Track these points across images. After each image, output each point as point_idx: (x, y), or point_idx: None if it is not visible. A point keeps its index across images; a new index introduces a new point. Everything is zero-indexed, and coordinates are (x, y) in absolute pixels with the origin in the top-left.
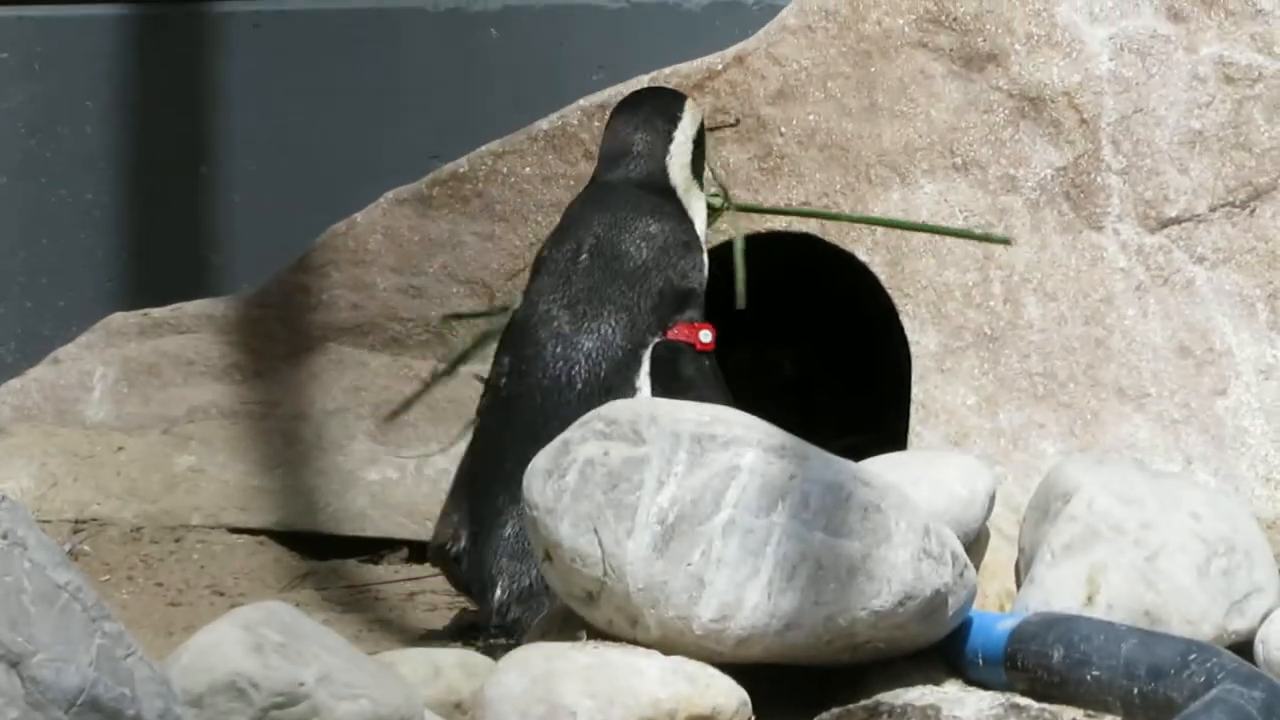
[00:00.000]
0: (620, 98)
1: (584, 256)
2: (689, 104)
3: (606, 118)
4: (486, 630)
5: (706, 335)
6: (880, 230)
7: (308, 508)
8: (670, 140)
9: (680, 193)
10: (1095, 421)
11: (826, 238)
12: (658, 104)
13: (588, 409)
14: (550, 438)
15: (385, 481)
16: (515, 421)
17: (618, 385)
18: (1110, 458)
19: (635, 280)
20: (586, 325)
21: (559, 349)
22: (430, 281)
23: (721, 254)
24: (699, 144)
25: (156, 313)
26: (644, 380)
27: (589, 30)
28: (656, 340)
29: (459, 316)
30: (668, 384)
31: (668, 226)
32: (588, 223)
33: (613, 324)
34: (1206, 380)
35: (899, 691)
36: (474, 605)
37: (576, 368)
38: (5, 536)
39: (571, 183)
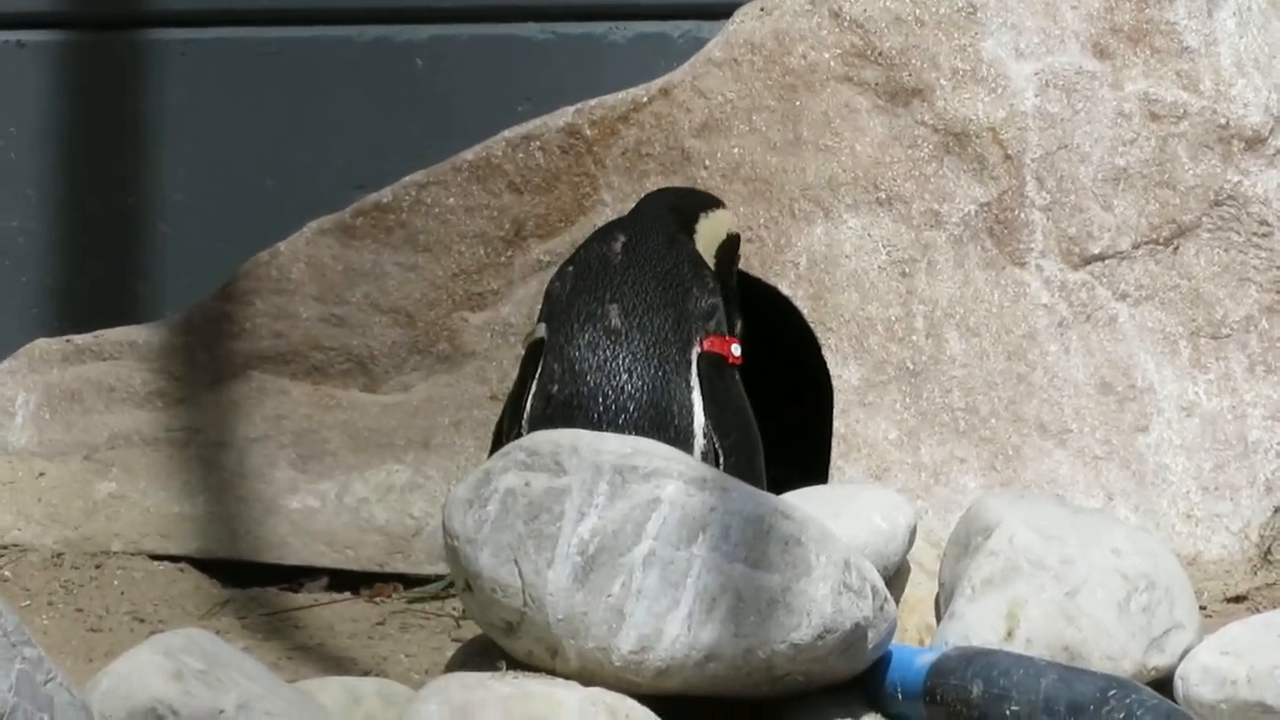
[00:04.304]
0: (544, 127)
1: (619, 255)
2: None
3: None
4: None
5: (737, 349)
6: (804, 263)
7: (228, 535)
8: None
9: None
10: (1016, 457)
11: (750, 271)
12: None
13: (645, 415)
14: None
15: (306, 510)
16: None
17: (674, 390)
18: (1031, 493)
19: (673, 280)
20: (637, 321)
21: (611, 347)
22: (352, 311)
23: None
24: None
25: (79, 339)
26: (695, 381)
27: (515, 61)
28: (697, 350)
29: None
30: (715, 397)
31: (687, 249)
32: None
33: (663, 319)
34: (1128, 417)
35: None
36: None
37: (632, 367)
38: None
39: (495, 214)
